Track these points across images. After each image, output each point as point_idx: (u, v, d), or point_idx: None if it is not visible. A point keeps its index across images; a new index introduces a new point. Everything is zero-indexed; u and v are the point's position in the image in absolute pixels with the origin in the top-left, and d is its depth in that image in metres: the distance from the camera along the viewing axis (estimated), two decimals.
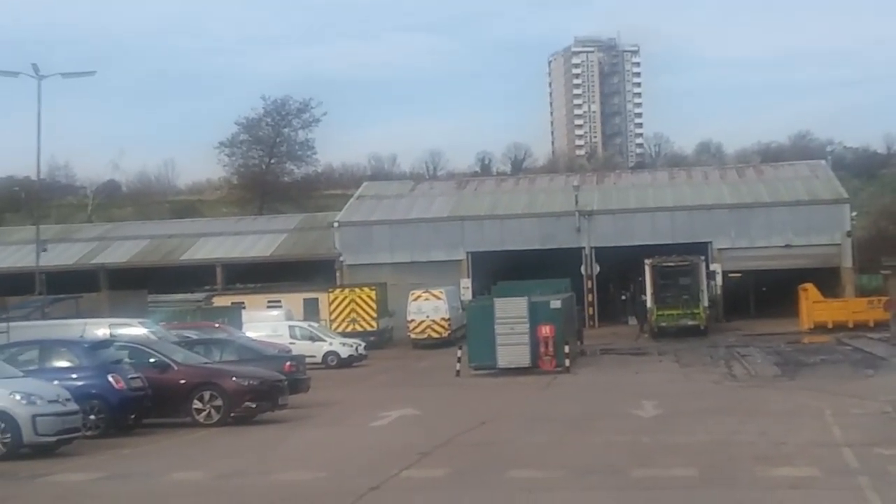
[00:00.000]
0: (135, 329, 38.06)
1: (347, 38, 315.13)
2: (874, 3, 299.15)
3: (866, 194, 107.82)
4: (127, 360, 27.58)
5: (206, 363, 30.14)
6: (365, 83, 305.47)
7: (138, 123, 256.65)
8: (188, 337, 37.50)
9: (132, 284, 62.23)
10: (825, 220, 70.35)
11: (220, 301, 65.90)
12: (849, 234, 70.42)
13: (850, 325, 58.71)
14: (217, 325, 47.73)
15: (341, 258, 73.24)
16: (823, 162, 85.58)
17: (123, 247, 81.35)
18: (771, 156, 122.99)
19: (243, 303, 62.45)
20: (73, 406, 22.97)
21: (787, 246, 69.88)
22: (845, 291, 67.60)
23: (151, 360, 28.07)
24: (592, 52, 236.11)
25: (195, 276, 73.64)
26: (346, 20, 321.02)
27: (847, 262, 69.79)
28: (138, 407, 26.28)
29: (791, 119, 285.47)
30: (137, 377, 26.48)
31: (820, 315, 60.68)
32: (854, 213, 74.32)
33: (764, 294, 74.76)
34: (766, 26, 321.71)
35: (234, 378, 27.78)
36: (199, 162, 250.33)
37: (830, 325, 59.20)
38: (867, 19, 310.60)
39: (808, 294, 61.68)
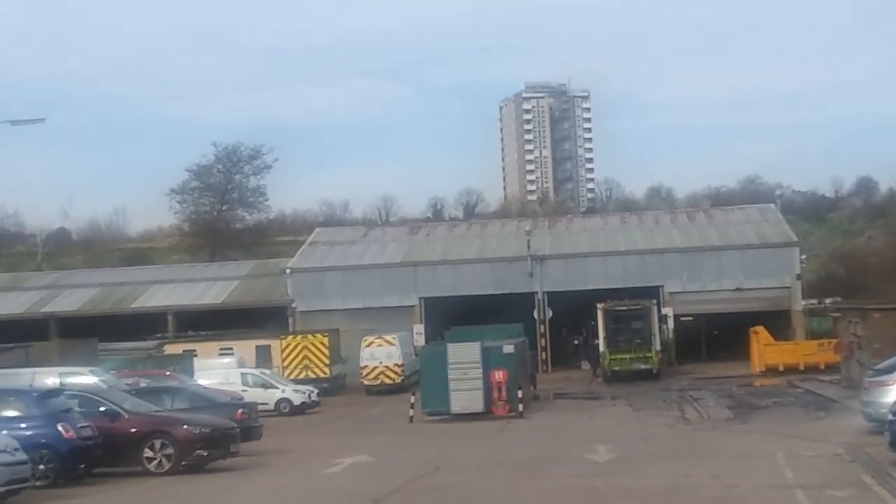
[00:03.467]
0: (85, 378, 37.69)
1: (299, 84, 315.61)
2: (822, 48, 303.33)
3: (815, 238, 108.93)
4: (77, 408, 27.32)
5: (157, 411, 29.91)
6: (317, 129, 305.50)
7: (88, 170, 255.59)
8: (139, 385, 37.18)
9: (83, 333, 61.50)
10: (775, 264, 70.87)
11: (172, 349, 65.39)
12: (799, 277, 70.92)
13: (801, 368, 58.98)
14: (168, 373, 47.32)
15: (294, 305, 73.01)
16: (773, 206, 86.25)
17: (74, 295, 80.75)
18: (721, 200, 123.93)
19: (195, 350, 61.95)
20: (21, 456, 22.69)
21: (737, 289, 70.33)
22: (796, 334, 68.01)
23: (102, 408, 27.81)
24: (543, 97, 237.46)
25: (146, 324, 73.10)
26: (297, 67, 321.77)
27: (797, 304, 70.26)
28: (88, 456, 26.00)
29: (740, 163, 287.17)
30: (87, 426, 26.23)
31: (771, 358, 60.96)
32: (804, 256, 74.91)
33: (716, 337, 75.06)
34: (715, 71, 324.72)
35: (185, 426, 27.58)
36: (150, 209, 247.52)
37: (782, 368, 59.46)
38: (815, 64, 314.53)
39: (760, 337, 61.99)
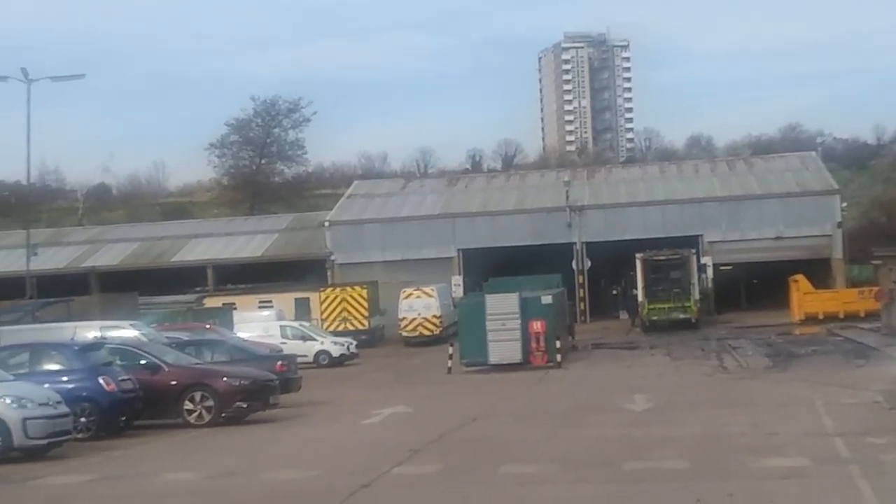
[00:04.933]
0: (125, 331, 37.95)
1: (337, 38, 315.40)
2: None
3: (856, 185, 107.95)
4: (118, 362, 27.53)
5: (197, 364, 30.09)
6: (355, 83, 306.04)
7: (128, 126, 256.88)
8: (179, 338, 37.42)
9: (123, 287, 61.94)
10: (816, 212, 70.44)
11: (212, 302, 65.77)
12: (839, 225, 70.46)
13: (841, 316, 58.68)
14: (208, 326, 47.56)
15: (332, 257, 73.17)
16: (814, 153, 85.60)
17: (114, 249, 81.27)
18: (761, 148, 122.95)
19: (234, 303, 62.36)
20: (63, 409, 22.93)
21: (777, 238, 69.95)
22: (836, 282, 67.66)
23: (142, 361, 28.04)
24: (582, 47, 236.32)
25: (186, 278, 73.44)
26: (335, 20, 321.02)
27: (838, 253, 69.85)
28: (129, 409, 26.23)
29: (781, 111, 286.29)
30: (128, 379, 26.43)
31: (811, 306, 60.67)
32: (844, 204, 74.37)
33: (755, 286, 74.75)
34: (754, 19, 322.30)
35: (224, 378, 27.75)
36: (189, 164, 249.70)
37: (821, 317, 59.19)
38: (855, 10, 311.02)
39: (799, 285, 61.66)
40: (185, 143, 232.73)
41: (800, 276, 61.97)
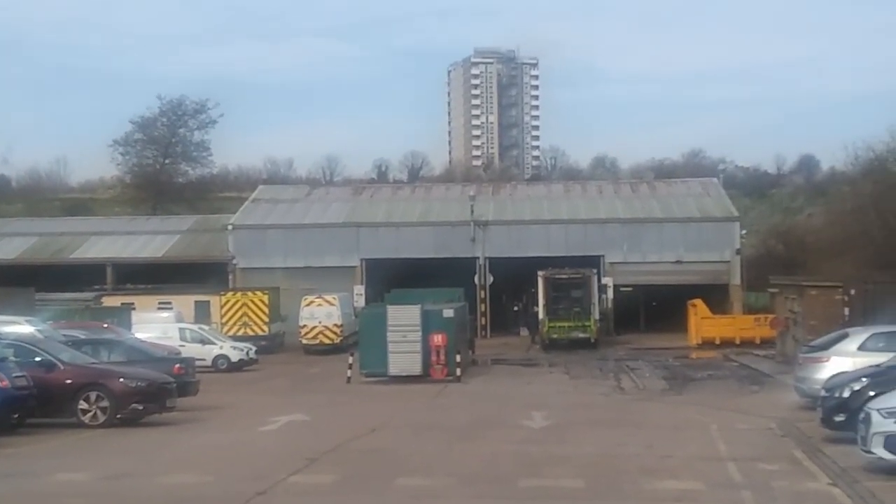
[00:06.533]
0: (21, 327, 37.41)
1: (247, 40, 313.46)
2: (769, 25, 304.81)
3: (756, 213, 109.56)
4: (12, 358, 27.08)
5: (94, 363, 29.70)
6: (263, 86, 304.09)
7: (30, 118, 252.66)
8: (76, 336, 36.92)
9: (20, 282, 60.98)
10: (715, 238, 71.49)
11: (110, 301, 65.02)
12: (738, 251, 71.52)
13: (737, 342, 59.40)
14: (106, 326, 47.04)
15: (234, 261, 72.76)
16: (715, 180, 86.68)
17: (12, 244, 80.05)
18: (664, 172, 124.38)
19: (133, 304, 61.68)
20: None
21: (677, 262, 70.84)
22: (733, 308, 68.60)
23: (37, 358, 27.59)
24: (492, 63, 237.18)
25: (85, 276, 72.49)
26: (247, 22, 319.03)
27: (736, 279, 70.87)
28: (23, 406, 25.81)
29: (685, 137, 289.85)
30: (22, 376, 26.00)
31: (708, 331, 61.40)
32: (744, 232, 75.48)
33: (654, 308, 75.54)
34: (661, 45, 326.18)
35: (121, 379, 27.45)
36: (92, 160, 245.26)
37: (718, 342, 59.90)
38: (762, 40, 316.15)
39: (697, 310, 62.41)
40: (88, 139, 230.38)
41: (698, 301, 62.72)
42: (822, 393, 23.76)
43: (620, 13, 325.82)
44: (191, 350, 46.39)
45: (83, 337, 36.90)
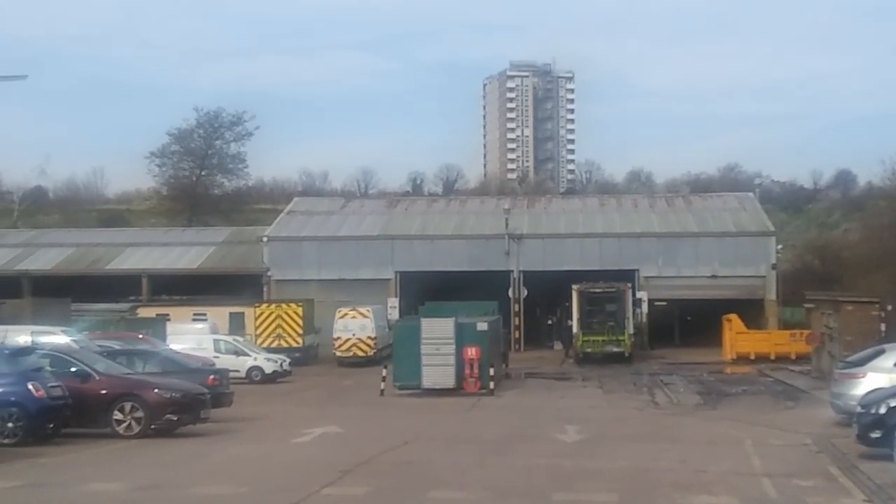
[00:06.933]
0: (57, 337, 37.68)
1: (284, 53, 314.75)
2: (804, 40, 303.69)
3: (792, 228, 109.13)
4: (48, 368, 27.25)
5: (129, 374, 29.83)
6: (299, 99, 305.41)
7: (67, 130, 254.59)
8: (111, 347, 37.10)
9: (56, 292, 61.30)
10: (751, 252, 71.16)
11: (145, 312, 65.29)
12: (774, 266, 71.16)
13: (772, 357, 59.18)
14: (141, 336, 47.26)
15: (269, 273, 72.92)
16: (751, 194, 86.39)
17: (49, 254, 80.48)
18: (700, 187, 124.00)
19: (168, 315, 61.90)
20: None
21: (712, 276, 70.56)
22: (769, 323, 68.25)
23: (73, 368, 27.74)
24: (527, 76, 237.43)
25: (121, 286, 72.85)
26: (283, 36, 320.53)
27: (771, 294, 70.52)
28: (58, 416, 25.96)
29: (720, 151, 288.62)
30: (58, 386, 26.15)
31: (743, 346, 61.17)
32: (780, 247, 75.08)
33: (689, 323, 75.25)
34: (697, 59, 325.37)
35: (156, 390, 27.53)
36: (128, 171, 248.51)
37: (753, 357, 59.69)
38: (797, 55, 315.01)
39: (732, 325, 62.18)
40: (125, 150, 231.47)
41: (733, 316, 62.49)
42: (858, 409, 23.62)
43: (653, 28, 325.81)
44: (225, 361, 46.53)
45: (118, 347, 37.10)
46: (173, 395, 27.56)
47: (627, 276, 67.08)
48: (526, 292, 70.49)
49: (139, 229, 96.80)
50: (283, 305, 63.35)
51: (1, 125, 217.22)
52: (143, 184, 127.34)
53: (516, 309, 70.04)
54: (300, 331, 62.20)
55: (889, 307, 42.68)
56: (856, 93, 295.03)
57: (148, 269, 76.67)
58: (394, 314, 65.28)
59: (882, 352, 29.84)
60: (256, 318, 62.76)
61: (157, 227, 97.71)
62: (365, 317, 61.71)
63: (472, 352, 41.82)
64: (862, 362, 29.66)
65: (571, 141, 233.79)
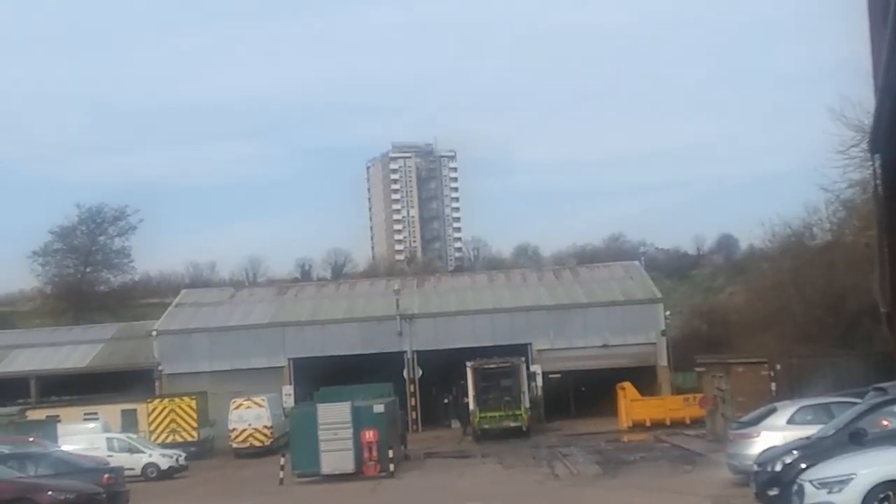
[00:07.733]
0: None
1: (165, 145, 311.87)
2: (682, 109, 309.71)
3: (678, 294, 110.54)
4: None
5: (21, 478, 29.27)
6: (182, 190, 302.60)
7: None
8: (0, 451, 36.33)
9: None
10: (640, 320, 71.92)
11: (35, 414, 63.88)
12: (663, 332, 71.99)
13: (668, 423, 59.67)
14: (31, 439, 46.35)
15: (160, 367, 72.05)
16: (637, 263, 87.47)
17: None
18: (586, 258, 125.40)
19: (59, 416, 60.70)
20: None
21: (604, 346, 71.13)
22: (662, 389, 68.90)
23: None
24: (410, 157, 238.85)
25: (8, 390, 71.35)
26: (163, 128, 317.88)
27: (662, 360, 71.27)
28: None
29: (605, 222, 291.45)
30: None
31: (638, 413, 61.65)
32: (668, 313, 75.97)
33: (583, 393, 75.62)
34: (578, 131, 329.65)
35: (49, 492, 27.11)
36: (10, 272, 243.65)
37: (648, 423, 60.14)
38: (676, 124, 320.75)
39: (626, 392, 62.70)
40: (5, 251, 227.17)
41: (626, 384, 63.05)
42: (755, 468, 23.96)
43: (533, 103, 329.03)
44: (119, 459, 45.69)
45: (8, 451, 36.35)
46: (67, 496, 27.14)
47: (520, 350, 67.41)
48: (421, 372, 70.49)
49: (25, 330, 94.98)
50: (177, 399, 62.60)
51: None
52: (26, 284, 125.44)
53: (412, 389, 69.96)
54: (195, 424, 61.44)
55: (778, 366, 43.37)
56: (733, 158, 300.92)
57: (36, 371, 75.31)
58: (289, 402, 64.76)
59: (774, 410, 30.34)
60: (149, 414, 61.89)
61: (43, 328, 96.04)
62: (260, 406, 61.20)
63: (370, 435, 41.73)
64: (755, 422, 30.11)
65: (457, 219, 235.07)
